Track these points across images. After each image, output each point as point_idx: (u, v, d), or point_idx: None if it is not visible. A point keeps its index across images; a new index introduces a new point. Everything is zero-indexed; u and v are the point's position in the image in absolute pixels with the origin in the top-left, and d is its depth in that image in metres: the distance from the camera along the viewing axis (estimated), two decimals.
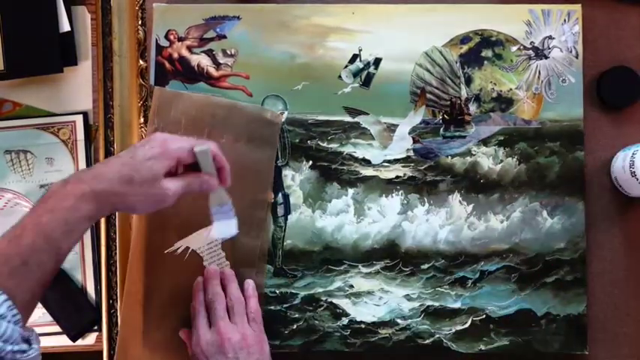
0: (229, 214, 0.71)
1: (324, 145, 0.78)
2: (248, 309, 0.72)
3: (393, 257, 0.77)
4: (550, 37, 0.78)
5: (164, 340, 0.75)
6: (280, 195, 0.78)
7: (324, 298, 0.77)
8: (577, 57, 0.78)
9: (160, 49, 0.79)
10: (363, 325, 0.76)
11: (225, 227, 0.71)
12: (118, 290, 0.77)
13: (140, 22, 0.80)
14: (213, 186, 0.67)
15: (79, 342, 0.78)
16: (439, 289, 0.76)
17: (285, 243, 0.77)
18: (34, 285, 0.56)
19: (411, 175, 0.77)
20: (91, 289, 0.79)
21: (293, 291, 0.77)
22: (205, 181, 0.67)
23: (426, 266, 0.76)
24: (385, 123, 0.78)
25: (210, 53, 0.79)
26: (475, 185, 0.77)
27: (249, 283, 0.75)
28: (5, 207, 0.78)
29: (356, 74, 0.78)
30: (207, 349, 0.69)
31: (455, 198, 0.77)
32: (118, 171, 0.61)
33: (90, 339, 0.78)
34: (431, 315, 0.76)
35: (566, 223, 0.76)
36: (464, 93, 0.78)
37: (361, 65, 0.78)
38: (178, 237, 0.76)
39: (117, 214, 0.78)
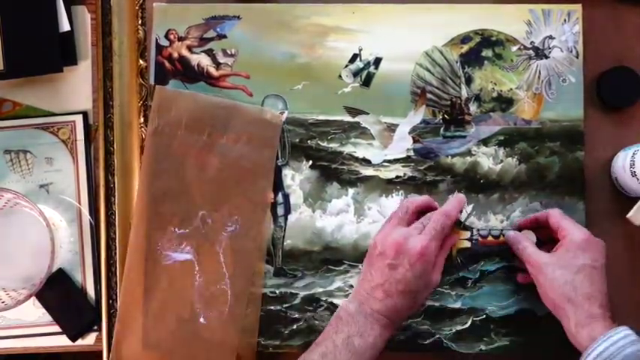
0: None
1: (324, 144, 0.78)
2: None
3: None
4: (550, 37, 0.78)
5: (160, 340, 0.75)
6: (280, 195, 0.78)
7: (324, 298, 0.76)
8: (577, 57, 0.78)
9: (159, 48, 0.79)
10: None
11: None
12: (118, 290, 0.77)
13: (140, 22, 0.80)
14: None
15: (79, 342, 0.78)
16: (439, 289, 0.76)
17: (285, 243, 0.77)
18: None
19: (411, 175, 0.77)
20: (90, 289, 0.79)
21: (293, 291, 0.77)
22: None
23: None
24: (385, 123, 0.78)
25: (210, 53, 0.79)
26: (475, 185, 0.77)
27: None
28: (5, 207, 0.78)
29: (356, 74, 0.78)
30: None
31: None
32: (404, 301, 0.67)
33: (90, 339, 0.78)
34: (431, 315, 0.76)
35: None
36: (464, 93, 0.78)
37: (361, 65, 0.78)
38: (177, 235, 0.76)
39: (116, 212, 0.78)
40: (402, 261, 0.67)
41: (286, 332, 0.76)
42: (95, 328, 0.78)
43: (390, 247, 0.67)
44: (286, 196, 0.78)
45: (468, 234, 0.76)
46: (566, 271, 0.67)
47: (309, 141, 0.78)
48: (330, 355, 0.65)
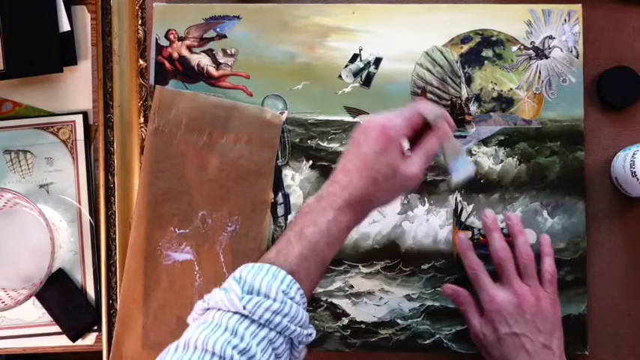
0: (465, 159, 0.68)
1: (325, 144, 0.78)
2: (543, 268, 0.71)
3: (394, 257, 0.77)
4: (550, 37, 0.78)
5: (160, 340, 0.75)
6: (280, 195, 0.78)
7: (324, 298, 0.76)
8: (577, 57, 0.78)
9: (159, 48, 0.79)
10: (363, 326, 0.76)
11: (463, 170, 0.68)
12: (118, 290, 0.77)
13: (140, 22, 0.80)
14: (449, 133, 0.65)
15: (79, 342, 0.78)
16: (439, 289, 0.76)
17: None
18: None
19: None
20: (90, 290, 0.79)
21: None
22: (441, 135, 0.64)
23: (426, 266, 0.76)
24: None
25: (210, 53, 0.79)
26: (475, 185, 0.77)
27: (546, 239, 0.73)
28: (5, 207, 0.78)
29: (356, 74, 0.78)
30: (504, 307, 0.68)
31: (455, 198, 0.77)
32: (360, 178, 0.61)
33: (89, 339, 0.79)
34: (431, 315, 0.76)
35: (566, 223, 0.76)
36: (464, 93, 0.78)
37: (361, 65, 0.78)
38: (177, 235, 0.76)
39: (116, 212, 0.78)
40: (365, 137, 0.62)
41: None
42: (95, 328, 0.78)
43: (361, 128, 0.64)
44: (286, 196, 0.78)
45: (469, 234, 0.76)
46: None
47: (309, 141, 0.78)
48: (284, 250, 0.60)
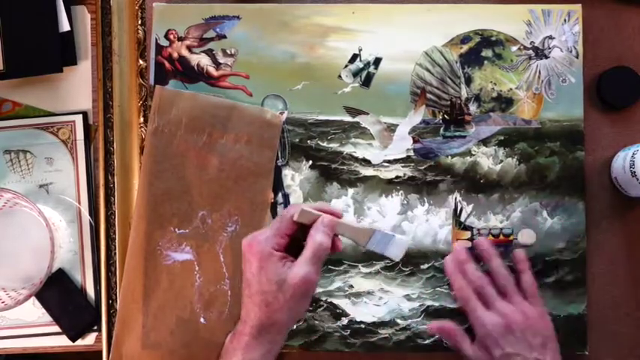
0: (384, 236, 0.66)
1: (324, 144, 0.78)
2: (522, 284, 0.71)
3: None
4: (550, 37, 0.78)
5: (160, 340, 0.75)
6: (280, 195, 0.78)
7: (324, 298, 0.76)
8: (577, 57, 0.78)
9: (159, 48, 0.79)
10: (363, 325, 0.76)
11: (392, 248, 0.66)
12: (118, 290, 0.77)
13: (140, 22, 0.80)
14: (328, 222, 0.63)
15: (79, 342, 0.78)
16: (439, 289, 0.76)
17: None
18: None
19: (411, 175, 0.77)
20: (90, 290, 0.79)
21: None
22: (317, 227, 0.63)
23: (425, 266, 0.76)
24: (385, 123, 0.78)
25: (210, 53, 0.79)
26: (475, 185, 0.77)
27: (520, 255, 0.73)
28: (5, 207, 0.78)
29: (356, 74, 0.78)
30: (494, 330, 0.68)
31: (455, 198, 0.77)
32: (252, 305, 0.62)
33: (89, 339, 0.79)
34: (431, 315, 0.76)
35: (566, 223, 0.76)
36: (464, 93, 0.78)
37: (361, 65, 0.78)
38: (177, 235, 0.76)
39: (116, 212, 0.78)
40: (243, 261, 0.63)
41: None
42: (95, 328, 0.78)
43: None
44: (286, 196, 0.78)
45: (468, 234, 0.76)
46: None
47: (309, 141, 0.78)
48: None
